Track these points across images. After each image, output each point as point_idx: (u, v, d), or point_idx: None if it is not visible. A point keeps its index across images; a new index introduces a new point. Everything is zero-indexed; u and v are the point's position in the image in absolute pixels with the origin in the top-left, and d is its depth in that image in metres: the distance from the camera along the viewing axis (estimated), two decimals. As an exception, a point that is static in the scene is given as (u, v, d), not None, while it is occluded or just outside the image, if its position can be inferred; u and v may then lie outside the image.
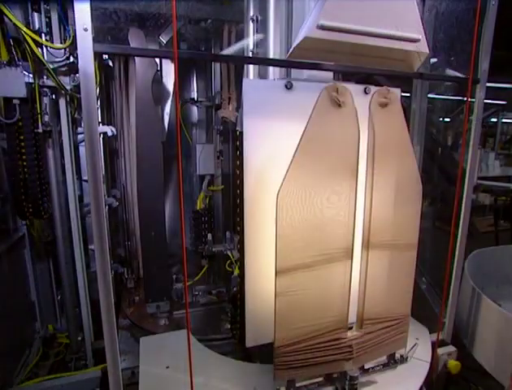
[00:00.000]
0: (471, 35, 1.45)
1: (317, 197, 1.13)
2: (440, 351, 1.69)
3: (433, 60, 2.13)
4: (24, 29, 1.84)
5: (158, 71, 2.66)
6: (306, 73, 1.34)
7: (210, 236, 2.73)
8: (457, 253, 1.70)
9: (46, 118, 2.03)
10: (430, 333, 1.74)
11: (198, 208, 2.89)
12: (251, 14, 1.75)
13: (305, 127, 1.07)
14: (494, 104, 6.61)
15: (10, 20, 1.83)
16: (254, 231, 1.31)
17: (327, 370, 1.32)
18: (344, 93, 1.09)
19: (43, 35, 1.95)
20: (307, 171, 1.10)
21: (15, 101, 1.90)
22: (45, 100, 2.01)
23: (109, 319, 1.08)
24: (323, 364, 1.28)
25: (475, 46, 1.46)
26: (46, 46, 1.92)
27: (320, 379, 1.34)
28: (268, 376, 1.32)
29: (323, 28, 0.99)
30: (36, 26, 1.92)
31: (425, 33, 1.11)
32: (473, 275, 1.98)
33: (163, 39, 2.42)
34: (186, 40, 2.65)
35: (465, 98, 1.54)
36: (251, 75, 1.67)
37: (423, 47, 1.14)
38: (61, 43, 1.98)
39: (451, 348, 1.74)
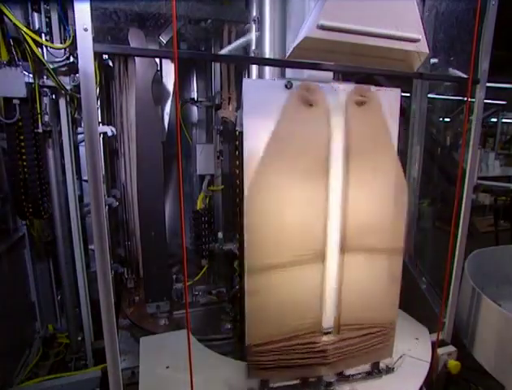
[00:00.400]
0: (471, 35, 1.45)
1: (286, 197, 1.12)
2: (440, 351, 1.69)
3: (433, 60, 2.12)
4: (24, 29, 1.84)
5: (158, 71, 2.66)
6: (306, 73, 1.33)
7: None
8: (457, 253, 1.70)
9: (46, 118, 2.03)
10: (430, 333, 1.74)
11: (198, 208, 2.89)
12: (253, 14, 1.75)
13: (275, 127, 1.07)
14: (494, 104, 6.61)
15: (10, 20, 1.83)
16: (254, 231, 1.30)
17: (301, 374, 1.30)
18: (315, 91, 1.09)
19: (43, 35, 1.95)
20: (276, 171, 1.09)
21: (15, 101, 1.90)
22: (45, 100, 2.01)
23: (109, 319, 1.08)
24: (296, 367, 1.26)
25: (475, 46, 1.46)
26: (46, 46, 1.91)
27: (296, 381, 1.33)
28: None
29: (323, 28, 0.99)
30: (36, 26, 1.93)
31: (425, 33, 1.11)
32: (473, 275, 1.98)
33: (163, 39, 2.42)
34: (186, 40, 2.65)
35: (465, 98, 1.54)
36: (254, 75, 1.67)
37: (423, 47, 1.14)
38: (61, 43, 1.98)
39: (451, 348, 1.74)
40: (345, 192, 1.22)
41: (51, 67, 1.92)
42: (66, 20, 1.96)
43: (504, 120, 7.67)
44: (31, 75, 1.93)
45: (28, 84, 1.91)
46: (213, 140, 2.95)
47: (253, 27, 1.74)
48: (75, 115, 2.26)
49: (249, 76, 1.69)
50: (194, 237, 2.93)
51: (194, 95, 2.95)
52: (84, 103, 0.95)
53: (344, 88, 1.21)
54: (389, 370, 1.44)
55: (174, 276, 2.80)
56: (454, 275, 1.71)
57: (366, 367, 1.42)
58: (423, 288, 2.26)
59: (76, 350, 2.41)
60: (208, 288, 2.96)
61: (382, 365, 1.43)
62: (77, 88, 2.01)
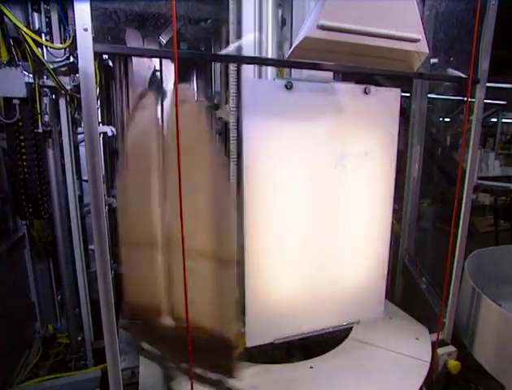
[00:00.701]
0: (471, 35, 1.45)
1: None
2: (440, 351, 1.69)
3: (433, 60, 2.12)
4: (24, 29, 1.83)
5: (155, 71, 2.66)
6: (306, 73, 1.34)
7: None
8: (457, 253, 1.70)
9: (46, 118, 2.02)
10: (430, 333, 1.74)
11: (198, 208, 2.89)
12: (252, 14, 1.75)
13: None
14: (494, 104, 6.61)
15: (10, 20, 1.83)
16: (254, 232, 1.30)
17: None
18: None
19: (43, 35, 1.95)
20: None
21: (15, 101, 1.90)
22: (45, 100, 2.01)
23: (109, 319, 1.08)
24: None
25: (475, 46, 1.46)
26: (46, 46, 1.91)
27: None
28: (268, 376, 1.32)
29: (323, 28, 0.99)
30: (37, 26, 1.92)
31: (425, 33, 1.11)
32: (473, 275, 1.98)
33: (163, 39, 2.42)
34: (186, 40, 2.65)
35: (465, 98, 1.54)
36: (251, 76, 1.67)
37: (423, 47, 1.14)
38: (61, 43, 1.98)
39: (451, 348, 1.74)
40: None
41: (51, 66, 1.91)
42: (66, 20, 1.96)
43: (504, 120, 7.67)
44: (31, 75, 1.92)
45: (28, 84, 1.90)
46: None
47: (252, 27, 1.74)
48: (76, 115, 2.26)
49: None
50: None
51: (194, 95, 2.94)
52: (84, 103, 0.95)
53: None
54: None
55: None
56: (454, 275, 1.71)
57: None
58: (423, 288, 2.26)
59: (76, 350, 2.41)
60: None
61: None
62: (77, 88, 2.00)
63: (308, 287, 1.43)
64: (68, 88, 2.01)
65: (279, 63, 1.36)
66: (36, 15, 1.91)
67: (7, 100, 1.90)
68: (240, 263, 1.32)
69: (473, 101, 1.59)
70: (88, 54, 0.93)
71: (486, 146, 7.10)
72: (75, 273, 2.26)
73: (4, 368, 2.06)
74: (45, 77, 1.97)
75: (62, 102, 2.07)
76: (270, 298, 1.32)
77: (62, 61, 1.95)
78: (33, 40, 1.86)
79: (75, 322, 2.40)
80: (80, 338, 2.41)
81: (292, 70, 1.38)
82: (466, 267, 2.00)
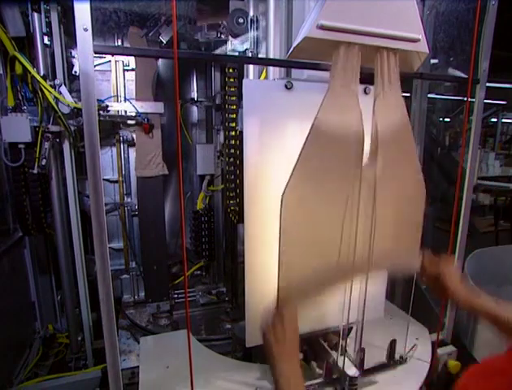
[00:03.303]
0: (471, 35, 1.45)
1: (321, 199, 1.11)
2: (440, 351, 1.69)
3: (433, 60, 2.13)
4: (42, 82, 1.91)
5: (157, 71, 2.67)
6: (306, 73, 1.33)
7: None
8: (457, 253, 1.70)
9: (44, 162, 2.05)
10: (430, 333, 1.74)
11: (198, 208, 2.89)
12: (251, 14, 1.75)
13: (311, 129, 1.05)
14: (494, 104, 6.61)
15: (27, 69, 1.92)
16: (255, 232, 1.30)
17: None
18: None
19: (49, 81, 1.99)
20: (312, 172, 1.08)
21: (21, 146, 1.97)
22: (46, 145, 2.05)
23: (109, 319, 1.08)
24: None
25: (474, 46, 1.46)
26: (58, 99, 1.96)
27: (320, 379, 1.34)
28: (269, 376, 1.32)
29: (323, 28, 0.99)
30: (37, 26, 1.93)
31: (425, 33, 1.11)
32: (473, 275, 1.98)
33: (163, 39, 2.42)
34: (186, 40, 2.65)
35: (465, 98, 1.54)
36: (251, 76, 1.67)
37: (423, 47, 1.14)
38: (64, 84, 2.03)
39: (451, 348, 1.74)
40: (373, 196, 1.21)
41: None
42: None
43: (504, 120, 7.67)
44: (36, 118, 2.00)
45: (32, 127, 1.98)
46: (213, 140, 2.95)
47: (251, 27, 1.75)
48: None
49: (247, 76, 1.70)
50: (194, 237, 2.94)
51: (194, 95, 2.95)
52: (84, 103, 0.95)
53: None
54: (403, 360, 1.46)
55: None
56: (454, 275, 1.71)
57: (382, 360, 1.44)
58: (423, 288, 2.26)
59: (76, 350, 2.41)
60: (208, 288, 2.97)
61: (396, 356, 1.46)
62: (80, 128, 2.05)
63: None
64: (73, 129, 2.06)
65: (279, 63, 1.36)
66: (36, 15, 1.91)
67: (13, 143, 1.97)
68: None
69: (473, 101, 1.59)
70: (89, 53, 0.93)
71: (486, 146, 7.10)
72: (75, 273, 2.27)
73: (4, 368, 2.06)
74: (50, 123, 2.03)
75: (66, 146, 2.13)
76: (270, 298, 1.32)
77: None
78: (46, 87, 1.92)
79: (75, 322, 2.40)
80: (80, 338, 2.42)
81: (292, 70, 1.38)
82: (466, 267, 2.00)
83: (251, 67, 1.68)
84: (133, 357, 2.15)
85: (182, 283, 2.94)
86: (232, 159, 1.78)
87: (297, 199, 1.08)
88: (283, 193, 1.05)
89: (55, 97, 1.93)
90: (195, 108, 3.04)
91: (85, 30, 0.90)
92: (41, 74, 1.97)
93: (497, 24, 1.53)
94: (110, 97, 2.55)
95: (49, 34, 1.99)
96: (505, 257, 2.43)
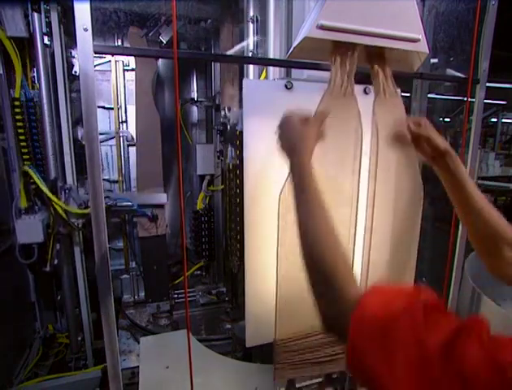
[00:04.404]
0: (471, 35, 1.45)
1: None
2: (440, 351, 1.69)
3: (433, 60, 2.12)
4: (52, 198, 2.04)
5: (157, 71, 2.67)
6: (306, 73, 1.33)
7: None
8: (457, 253, 1.70)
9: (56, 262, 2.22)
10: (430, 333, 1.74)
11: (198, 208, 2.89)
12: (251, 14, 1.75)
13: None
14: (494, 104, 6.61)
15: (37, 185, 2.04)
16: (254, 231, 1.31)
17: (327, 370, 1.31)
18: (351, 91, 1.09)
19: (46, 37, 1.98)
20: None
21: (34, 246, 2.08)
22: (58, 246, 2.19)
23: (109, 319, 1.08)
24: (322, 363, 1.27)
25: (474, 46, 1.46)
26: (66, 211, 2.08)
27: (320, 379, 1.34)
28: (269, 376, 1.32)
29: (323, 28, 0.99)
30: (37, 26, 1.93)
31: (425, 33, 1.11)
32: (473, 275, 1.98)
33: (163, 39, 2.42)
34: (186, 40, 2.66)
35: (465, 98, 1.54)
36: (251, 76, 1.67)
37: (423, 47, 1.13)
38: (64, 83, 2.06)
39: (451, 348, 1.73)
40: (373, 191, 1.21)
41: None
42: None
43: (504, 120, 7.67)
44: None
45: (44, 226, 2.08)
46: (213, 140, 2.95)
47: (251, 27, 1.75)
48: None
49: (247, 76, 1.70)
50: (194, 237, 2.94)
51: (194, 95, 2.95)
52: (84, 103, 0.95)
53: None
54: None
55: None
56: (454, 275, 1.71)
57: None
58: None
59: (76, 350, 2.41)
60: (208, 288, 2.97)
61: None
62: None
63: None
64: (80, 225, 2.15)
65: (279, 63, 1.36)
66: (36, 15, 1.91)
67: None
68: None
69: (473, 101, 1.59)
70: (89, 53, 0.93)
71: (486, 146, 7.09)
72: (75, 273, 2.27)
73: (4, 368, 2.06)
74: (60, 226, 2.13)
75: (76, 248, 2.27)
76: (270, 298, 1.32)
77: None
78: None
79: (75, 322, 2.40)
80: (80, 338, 2.42)
81: (292, 70, 1.38)
82: (466, 267, 1.99)
83: (251, 67, 1.68)
84: (133, 357, 2.15)
85: (182, 283, 2.94)
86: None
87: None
88: (280, 192, 1.06)
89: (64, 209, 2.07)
90: (195, 108, 3.04)
91: (85, 30, 0.90)
92: (44, 102, 2.03)
93: (497, 24, 1.53)
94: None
95: (50, 34, 1.99)
96: (505, 257, 2.42)
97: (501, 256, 0.86)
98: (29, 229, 2.03)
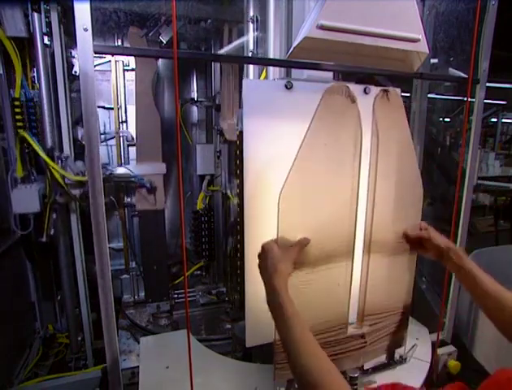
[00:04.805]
0: (471, 35, 1.45)
1: (318, 197, 1.12)
2: (440, 351, 1.69)
3: (433, 60, 2.12)
4: (49, 162, 1.99)
5: (157, 71, 2.67)
6: (306, 73, 1.33)
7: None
8: (457, 253, 1.70)
9: (52, 232, 2.18)
10: (430, 333, 1.74)
11: (198, 208, 2.89)
12: (251, 14, 1.75)
13: (309, 127, 1.07)
14: (494, 104, 6.61)
15: (34, 146, 2.00)
16: (254, 231, 1.30)
17: None
18: (350, 93, 1.10)
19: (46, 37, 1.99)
20: (309, 172, 1.09)
21: (30, 216, 2.05)
22: (54, 215, 2.16)
23: (109, 319, 1.08)
24: None
25: (474, 46, 1.46)
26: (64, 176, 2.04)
27: None
28: (269, 376, 1.32)
29: (323, 28, 0.99)
30: (37, 26, 1.93)
31: (425, 33, 1.11)
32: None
33: (163, 39, 2.42)
34: (186, 40, 2.66)
35: (465, 98, 1.54)
36: (251, 75, 1.67)
37: (423, 47, 1.14)
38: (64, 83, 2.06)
39: (451, 348, 1.74)
40: (372, 193, 1.22)
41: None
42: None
43: (504, 120, 7.67)
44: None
45: (40, 196, 2.06)
46: (213, 140, 2.95)
47: (251, 27, 1.75)
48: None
49: (247, 76, 1.70)
50: (194, 237, 2.94)
51: (194, 95, 2.95)
52: (84, 103, 0.95)
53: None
54: (403, 360, 1.47)
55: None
56: (454, 275, 1.71)
57: (382, 360, 1.44)
58: (422, 288, 2.26)
59: (76, 350, 2.41)
60: (208, 288, 2.97)
61: (396, 356, 1.46)
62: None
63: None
64: (79, 194, 2.12)
65: (278, 63, 1.36)
66: (36, 15, 1.91)
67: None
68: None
69: (473, 101, 1.59)
70: (89, 53, 0.93)
71: (486, 146, 7.09)
72: (76, 273, 2.27)
73: (4, 368, 2.06)
74: (57, 194, 2.10)
75: (73, 216, 2.21)
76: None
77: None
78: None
79: (75, 322, 2.40)
80: (80, 338, 2.42)
81: (292, 70, 1.38)
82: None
83: (251, 67, 1.68)
84: (133, 357, 2.15)
85: (182, 283, 2.94)
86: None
87: (294, 197, 1.09)
88: (280, 192, 1.06)
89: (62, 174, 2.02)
90: (195, 108, 3.04)
91: (85, 30, 0.90)
92: (46, 115, 2.04)
93: (497, 24, 1.53)
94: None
95: (50, 34, 1.99)
96: (505, 257, 2.43)
97: None
98: (25, 199, 1.99)
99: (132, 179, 2.46)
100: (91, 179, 0.98)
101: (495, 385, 0.51)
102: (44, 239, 2.13)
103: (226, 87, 2.40)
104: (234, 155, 1.76)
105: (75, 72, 2.31)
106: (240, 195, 1.32)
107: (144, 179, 2.48)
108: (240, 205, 1.33)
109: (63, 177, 2.01)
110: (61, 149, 2.11)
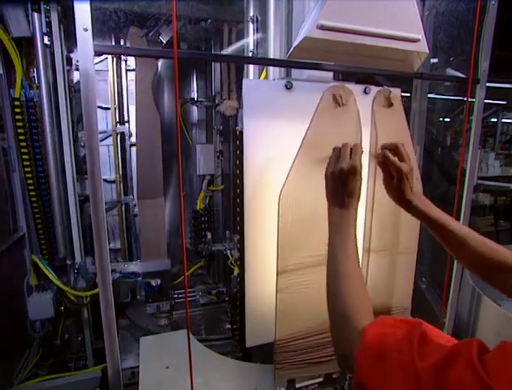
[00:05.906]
0: (471, 35, 1.45)
1: (319, 197, 1.12)
2: (440, 351, 1.69)
3: (433, 60, 2.13)
4: (62, 287, 2.17)
5: (158, 71, 2.67)
6: (306, 73, 1.33)
7: (209, 235, 2.73)
8: (457, 253, 1.70)
9: (66, 337, 2.38)
10: (430, 333, 1.74)
11: (198, 208, 2.89)
12: (251, 14, 1.75)
13: (308, 127, 1.07)
14: (494, 104, 6.61)
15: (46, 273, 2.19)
16: (254, 231, 1.30)
17: (327, 369, 1.31)
18: (347, 93, 1.10)
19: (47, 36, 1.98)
20: (309, 172, 1.09)
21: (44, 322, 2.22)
22: (67, 321, 2.33)
23: (109, 319, 1.08)
24: (322, 363, 1.27)
25: (474, 46, 1.46)
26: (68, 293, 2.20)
27: (320, 379, 1.34)
28: (269, 376, 1.32)
29: (323, 28, 0.99)
30: (37, 26, 1.92)
31: (425, 33, 1.11)
32: (473, 275, 1.98)
33: (163, 39, 2.42)
34: (186, 40, 2.65)
35: (465, 98, 1.54)
36: (251, 76, 1.67)
37: (423, 47, 1.14)
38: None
39: (451, 348, 1.73)
40: (372, 193, 1.22)
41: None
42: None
43: (504, 120, 7.66)
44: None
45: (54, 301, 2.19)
46: (213, 140, 2.95)
47: (251, 27, 1.75)
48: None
49: (247, 76, 1.70)
50: (194, 237, 2.94)
51: (194, 95, 2.95)
52: (84, 103, 0.95)
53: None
54: None
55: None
56: (454, 275, 1.71)
57: None
58: (423, 287, 2.26)
59: (76, 350, 2.41)
60: (208, 288, 2.97)
61: None
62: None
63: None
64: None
65: (279, 63, 1.36)
66: (36, 15, 1.91)
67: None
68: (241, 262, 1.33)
69: (473, 101, 1.59)
70: (89, 54, 0.93)
71: (486, 146, 7.08)
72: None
73: (4, 368, 2.06)
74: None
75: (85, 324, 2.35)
76: (270, 298, 1.32)
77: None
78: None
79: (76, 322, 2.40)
80: (80, 338, 2.42)
81: (292, 70, 1.38)
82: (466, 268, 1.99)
83: (251, 67, 1.68)
84: (133, 357, 2.15)
85: (182, 283, 2.94)
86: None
87: (294, 197, 1.09)
88: (280, 192, 1.06)
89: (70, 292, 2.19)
90: (195, 108, 3.03)
91: (85, 30, 0.90)
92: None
93: (497, 24, 1.53)
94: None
95: (50, 34, 1.99)
96: (505, 257, 2.42)
97: (503, 280, 0.90)
98: (40, 306, 2.13)
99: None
100: (91, 179, 0.98)
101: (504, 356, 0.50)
102: (58, 342, 2.33)
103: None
104: (234, 153, 1.76)
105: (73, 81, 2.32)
106: (241, 195, 1.32)
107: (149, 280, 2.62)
108: (241, 205, 1.32)
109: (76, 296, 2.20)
110: (72, 256, 2.24)
